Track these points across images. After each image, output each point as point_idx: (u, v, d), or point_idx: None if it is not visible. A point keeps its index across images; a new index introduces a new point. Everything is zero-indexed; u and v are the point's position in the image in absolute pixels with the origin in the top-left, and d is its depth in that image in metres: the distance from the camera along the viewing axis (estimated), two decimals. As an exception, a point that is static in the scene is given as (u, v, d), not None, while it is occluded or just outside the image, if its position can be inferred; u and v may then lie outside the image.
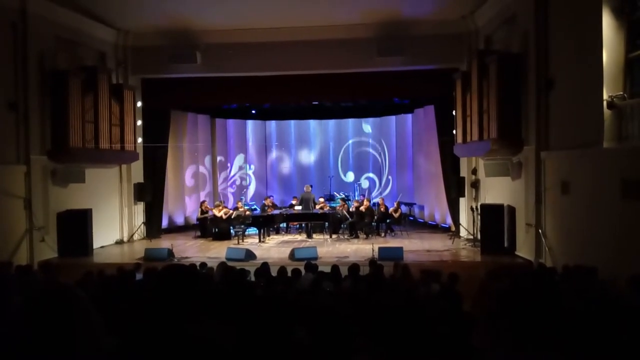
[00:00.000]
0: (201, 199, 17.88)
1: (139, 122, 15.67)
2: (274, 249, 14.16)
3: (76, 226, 13.08)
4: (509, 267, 9.61)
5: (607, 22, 8.92)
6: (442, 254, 12.85)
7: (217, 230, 15.94)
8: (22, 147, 12.20)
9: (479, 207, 13.56)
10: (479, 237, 13.30)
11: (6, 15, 11.88)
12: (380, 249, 12.09)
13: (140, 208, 16.17)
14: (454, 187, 14.88)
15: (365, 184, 20.46)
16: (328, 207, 16.59)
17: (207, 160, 19.51)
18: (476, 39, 14.34)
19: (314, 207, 16.37)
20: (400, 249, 12.28)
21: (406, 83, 15.23)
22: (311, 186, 17.36)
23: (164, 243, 14.75)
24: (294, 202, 17.43)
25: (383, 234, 15.88)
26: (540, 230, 11.11)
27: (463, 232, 14.95)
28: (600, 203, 8.92)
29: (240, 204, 16.82)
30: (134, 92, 15.22)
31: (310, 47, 14.88)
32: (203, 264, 9.79)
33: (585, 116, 9.45)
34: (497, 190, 13.38)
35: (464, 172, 15.17)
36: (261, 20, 14.47)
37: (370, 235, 15.52)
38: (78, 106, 13.03)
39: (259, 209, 17.64)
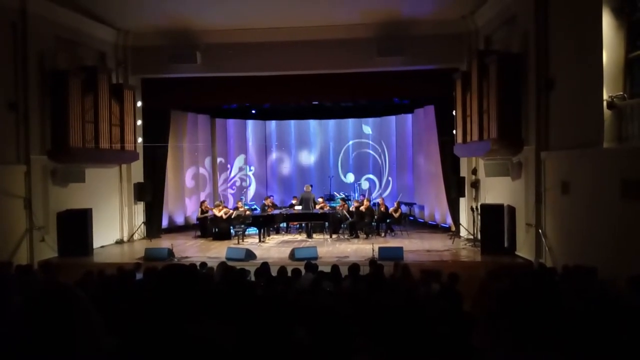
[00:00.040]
0: (201, 199, 17.88)
1: (139, 122, 15.67)
2: (274, 248, 14.16)
3: (76, 226, 13.08)
4: (509, 267, 9.61)
5: (607, 22, 8.92)
6: (442, 254, 12.85)
7: (217, 230, 15.94)
8: (22, 147, 12.20)
9: (479, 207, 13.56)
10: (479, 237, 13.30)
11: (6, 15, 11.88)
12: (380, 248, 12.09)
13: (140, 208, 16.18)
14: (454, 187, 14.88)
15: (365, 185, 20.45)
16: (328, 207, 16.59)
17: (207, 161, 19.51)
18: (476, 39, 14.34)
19: (314, 207, 16.37)
20: (400, 248, 12.28)
21: (406, 83, 15.23)
22: (311, 186, 17.36)
23: (164, 243, 14.75)
24: (294, 202, 17.44)
25: (383, 234, 15.88)
26: (540, 230, 11.11)
27: (463, 232, 14.95)
28: (600, 203, 8.92)
29: (240, 204, 16.82)
30: (134, 92, 15.22)
31: (310, 47, 14.88)
32: (203, 264, 9.79)
33: (585, 116, 9.45)
34: (497, 190, 13.38)
35: (464, 172, 15.17)
36: (261, 20, 14.47)
37: (370, 235, 15.52)
38: (78, 106, 13.03)
39: (259, 209, 17.64)
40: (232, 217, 15.79)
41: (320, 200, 16.85)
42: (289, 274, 8.24)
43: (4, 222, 11.66)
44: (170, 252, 12.69)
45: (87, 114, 13.31)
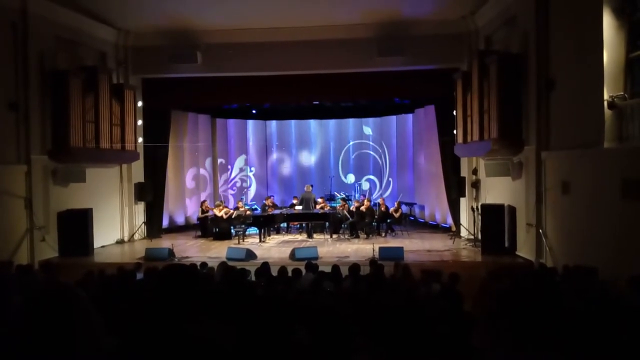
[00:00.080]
0: (202, 199, 17.89)
1: (140, 122, 15.68)
2: (274, 248, 14.16)
3: (77, 226, 13.09)
4: (509, 267, 9.61)
5: (608, 22, 8.91)
6: (442, 254, 12.84)
7: (217, 230, 15.95)
8: (23, 146, 12.21)
9: (479, 207, 13.56)
10: (479, 237, 13.29)
11: (6, 15, 11.88)
12: (380, 248, 12.09)
13: (140, 208, 16.18)
14: (455, 187, 14.88)
15: (365, 185, 20.45)
16: (328, 207, 16.60)
17: (208, 162, 19.51)
18: (476, 39, 14.34)
19: (315, 207, 16.38)
20: (400, 249, 12.28)
21: (406, 83, 15.23)
22: (312, 186, 17.36)
23: (165, 243, 14.78)
24: (294, 202, 17.44)
25: (383, 234, 15.88)
26: (540, 231, 11.11)
27: (464, 232, 14.95)
28: (600, 203, 8.92)
29: (240, 204, 16.82)
30: (135, 92, 15.23)
31: (310, 47, 14.88)
32: (204, 264, 9.79)
33: (585, 116, 9.45)
34: (497, 190, 13.37)
35: (464, 172, 15.17)
36: (261, 20, 14.48)
37: (370, 235, 15.52)
38: (79, 106, 13.03)
39: (259, 209, 17.65)
40: (233, 217, 15.79)
41: (321, 200, 16.86)
42: (290, 274, 8.24)
43: (4, 222, 11.67)
44: (171, 252, 12.69)
45: (87, 114, 13.31)
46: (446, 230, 16.37)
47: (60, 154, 12.85)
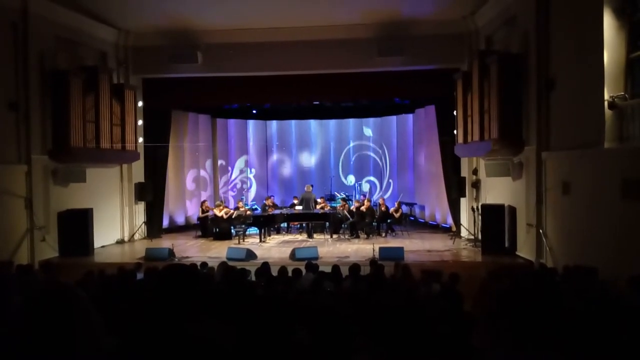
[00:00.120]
0: (202, 199, 17.89)
1: (140, 122, 15.68)
2: (274, 248, 14.17)
3: (77, 226, 13.09)
4: (509, 268, 9.61)
5: (608, 23, 8.91)
6: (442, 254, 12.84)
7: (217, 230, 15.95)
8: (23, 146, 12.21)
9: (479, 207, 13.56)
10: (479, 237, 13.30)
11: (7, 15, 11.89)
12: (380, 249, 12.09)
13: (141, 208, 16.19)
14: (455, 187, 14.88)
15: (366, 187, 20.45)
16: (329, 207, 16.60)
17: (208, 163, 19.51)
18: (477, 39, 14.34)
19: (315, 207, 16.38)
20: (401, 249, 12.28)
21: (407, 83, 15.22)
22: (312, 186, 17.36)
23: (165, 243, 14.79)
24: (294, 202, 17.44)
25: (384, 234, 15.88)
26: (541, 231, 11.10)
27: (464, 232, 14.95)
28: (600, 203, 8.91)
29: (241, 204, 16.82)
30: (135, 92, 15.24)
31: (310, 47, 14.88)
32: (204, 264, 9.79)
33: (586, 116, 9.45)
34: (497, 190, 13.37)
35: (464, 172, 15.17)
36: (262, 20, 14.48)
37: (370, 235, 15.52)
38: (79, 106, 13.03)
39: (259, 209, 17.65)
40: (233, 217, 15.80)
41: (321, 200, 16.86)
42: (290, 274, 8.24)
43: (5, 222, 11.67)
44: (171, 252, 12.69)
45: (88, 114, 13.31)
46: (446, 230, 16.37)
47: (60, 154, 12.85)
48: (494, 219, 12.55)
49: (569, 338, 3.82)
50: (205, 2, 13.64)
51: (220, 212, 15.92)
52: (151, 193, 15.97)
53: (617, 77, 8.91)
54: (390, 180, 20.33)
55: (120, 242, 15.42)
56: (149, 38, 15.28)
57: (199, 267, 8.94)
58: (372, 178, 20.78)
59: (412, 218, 18.13)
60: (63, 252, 13.01)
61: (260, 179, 21.25)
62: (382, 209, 16.12)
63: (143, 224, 16.15)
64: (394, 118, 19.98)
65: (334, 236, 15.72)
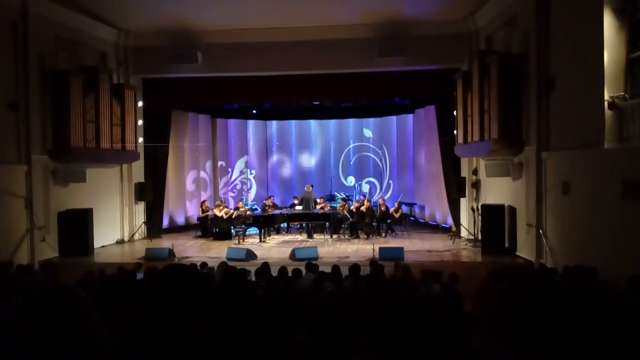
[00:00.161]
0: (202, 199, 17.89)
1: (140, 122, 15.69)
2: (274, 249, 14.16)
3: (77, 226, 13.09)
4: (509, 268, 9.61)
5: (608, 23, 8.91)
6: (442, 254, 12.85)
7: (217, 230, 15.95)
8: (23, 146, 12.21)
9: (479, 207, 13.56)
10: (479, 237, 13.29)
11: (7, 15, 11.89)
12: (380, 249, 12.09)
13: (141, 208, 16.19)
14: (455, 188, 14.88)
15: (366, 187, 20.46)
16: (329, 207, 16.60)
17: (208, 165, 19.51)
18: (477, 39, 14.34)
19: (315, 207, 16.38)
20: (400, 249, 12.27)
21: (407, 83, 15.22)
22: (312, 186, 17.35)
23: (165, 243, 14.79)
24: (294, 202, 17.44)
25: (384, 234, 15.88)
26: (541, 231, 11.10)
27: (464, 233, 14.95)
28: (600, 204, 8.91)
29: (241, 204, 16.82)
30: (135, 92, 15.24)
31: (310, 47, 14.88)
32: (204, 264, 9.79)
33: (586, 117, 9.45)
34: (497, 190, 13.37)
35: (464, 172, 15.17)
36: (262, 20, 14.48)
37: (370, 236, 15.52)
38: (79, 106, 13.04)
39: (259, 209, 17.65)
40: (233, 217, 15.80)
41: (321, 200, 16.86)
42: (290, 274, 8.24)
43: (4, 222, 11.67)
44: (171, 252, 12.69)
45: (88, 114, 13.32)
46: (446, 230, 16.37)
47: (60, 154, 12.85)
48: (494, 219, 12.55)
49: (569, 338, 3.82)
50: (205, 2, 13.64)
51: (220, 212, 15.92)
52: (151, 193, 15.97)
53: (617, 77, 8.91)
54: (390, 182, 20.34)
55: (120, 242, 15.42)
56: (149, 38, 15.28)
57: (198, 267, 8.94)
58: (372, 179, 20.78)
59: (412, 218, 18.13)
60: (63, 252, 13.01)
61: (260, 179, 21.25)
62: (382, 209, 16.12)
63: (143, 224, 16.15)
64: (394, 118, 19.98)
65: (334, 236, 15.72)
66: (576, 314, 4.45)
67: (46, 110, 12.75)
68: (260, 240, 15.07)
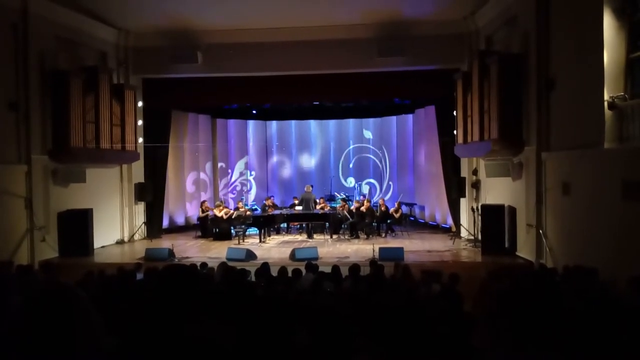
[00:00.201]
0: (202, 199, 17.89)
1: (140, 122, 15.68)
2: (274, 249, 14.16)
3: (77, 226, 13.09)
4: (509, 268, 9.60)
5: (608, 23, 8.91)
6: (442, 255, 12.84)
7: (217, 230, 15.94)
8: (23, 146, 12.21)
9: (479, 207, 13.56)
10: (479, 237, 13.29)
11: (7, 15, 11.89)
12: (380, 249, 12.09)
13: (140, 208, 16.18)
14: (455, 188, 14.88)
15: (365, 189, 20.46)
16: (329, 208, 16.60)
17: (208, 166, 19.51)
18: (477, 39, 14.34)
19: (315, 207, 16.38)
20: (400, 249, 12.27)
21: (407, 83, 15.23)
22: (312, 186, 17.36)
23: (165, 243, 14.78)
24: (294, 202, 17.44)
25: (384, 235, 15.87)
26: (541, 231, 11.10)
27: (464, 233, 14.95)
28: (600, 204, 8.91)
29: (241, 204, 16.82)
30: (135, 92, 15.23)
31: (310, 48, 14.88)
32: (204, 264, 9.79)
33: (586, 117, 9.45)
34: (497, 190, 13.37)
35: (464, 172, 15.17)
36: (262, 20, 14.48)
37: (370, 236, 15.51)
38: (79, 106, 13.03)
39: (259, 209, 17.65)
40: (233, 217, 15.79)
41: (321, 200, 16.86)
42: (290, 274, 8.23)
43: (4, 222, 11.67)
44: (171, 253, 12.69)
45: (88, 114, 13.31)
46: (446, 230, 16.37)
47: (60, 154, 12.85)
48: (494, 219, 12.55)
49: (569, 338, 3.82)
50: (206, 2, 13.64)
51: (220, 213, 15.92)
52: (151, 193, 15.96)
53: (617, 77, 8.91)
54: (390, 183, 20.34)
55: (120, 242, 15.42)
56: (149, 38, 15.28)
57: (198, 268, 8.94)
58: (372, 180, 20.78)
59: (412, 218, 18.12)
60: (63, 252, 13.01)
61: (260, 180, 21.25)
62: (382, 209, 16.12)
63: (143, 224, 16.15)
64: (394, 118, 19.98)
65: (334, 236, 15.72)
66: (576, 314, 4.45)
67: (46, 110, 12.74)
68: (260, 241, 15.07)
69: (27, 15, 12.20)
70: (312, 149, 21.21)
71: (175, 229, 17.66)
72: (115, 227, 15.40)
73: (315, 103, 18.35)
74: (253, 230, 15.86)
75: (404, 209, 17.39)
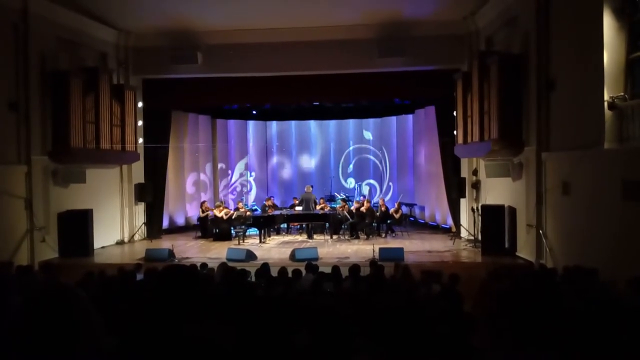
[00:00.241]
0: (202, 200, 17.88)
1: (140, 123, 15.68)
2: (274, 249, 14.16)
3: (77, 226, 13.09)
4: (509, 268, 9.58)
5: (608, 23, 8.91)
6: (442, 255, 12.84)
7: (217, 230, 15.94)
8: (23, 147, 12.21)
9: (479, 207, 13.55)
10: (479, 237, 13.29)
11: (7, 15, 11.89)
12: (380, 249, 12.09)
13: (140, 208, 16.18)
14: (455, 188, 14.88)
15: (365, 190, 20.47)
16: (329, 208, 16.60)
17: (208, 167, 19.50)
18: (477, 39, 14.34)
19: (315, 208, 16.38)
20: (400, 249, 12.27)
21: (407, 84, 15.23)
22: (312, 186, 17.36)
23: (165, 243, 14.78)
24: (294, 202, 17.44)
25: (384, 235, 15.87)
26: (541, 231, 11.10)
27: (464, 233, 14.95)
28: (601, 204, 8.91)
29: (241, 205, 16.82)
30: (135, 93, 15.24)
31: (310, 48, 14.89)
32: (204, 265, 9.79)
33: (586, 117, 9.45)
34: (497, 191, 13.37)
35: (464, 172, 15.17)
36: (262, 20, 14.48)
37: (370, 236, 15.51)
38: (79, 106, 13.04)
39: (259, 210, 17.65)
40: (233, 217, 15.79)
41: (321, 201, 16.86)
42: (290, 274, 8.23)
43: (4, 223, 11.67)
44: (171, 253, 12.68)
45: (88, 115, 13.32)
46: (446, 231, 16.37)
47: (60, 155, 12.85)
48: (494, 219, 12.55)
49: (569, 338, 3.82)
50: (206, 2, 13.64)
51: (220, 213, 15.92)
52: (151, 194, 15.96)
53: (617, 77, 8.91)
54: (390, 184, 20.34)
55: (120, 242, 15.42)
56: (149, 39, 15.29)
57: (198, 268, 8.94)
58: (372, 181, 20.78)
59: (412, 219, 18.13)
60: (63, 252, 13.00)
61: (261, 181, 21.25)
62: (382, 209, 16.12)
63: (143, 225, 16.15)
64: (393, 119, 19.98)
65: (334, 237, 15.71)
66: (576, 314, 4.45)
67: (46, 110, 12.75)
68: (260, 241, 15.07)
69: (27, 16, 12.20)
70: (312, 150, 21.21)
71: (175, 230, 17.65)
72: (115, 228, 15.40)
73: (315, 103, 18.34)
74: (253, 231, 15.86)
75: (404, 209, 17.39)
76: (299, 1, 13.70)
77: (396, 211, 16.30)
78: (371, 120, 20.62)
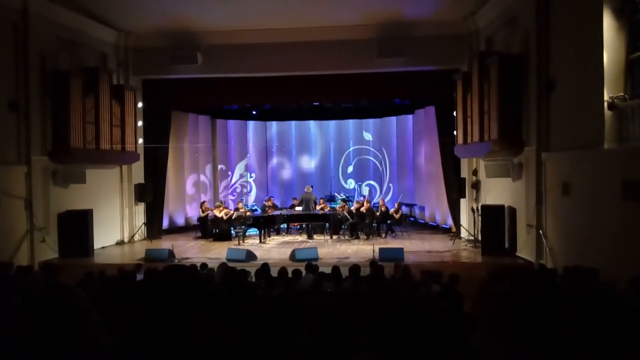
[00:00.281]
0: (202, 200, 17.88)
1: (140, 123, 15.69)
2: (274, 249, 14.16)
3: (77, 227, 13.09)
4: (509, 268, 9.59)
5: (608, 23, 8.91)
6: (442, 255, 12.84)
7: (217, 231, 15.94)
8: (23, 147, 12.21)
9: (479, 208, 13.55)
10: (479, 238, 13.29)
11: (7, 15, 11.89)
12: (380, 249, 12.09)
13: (140, 209, 16.18)
14: (455, 188, 14.88)
15: (365, 190, 20.47)
16: (329, 208, 16.60)
17: (208, 168, 19.50)
18: (477, 40, 14.34)
19: (315, 208, 16.38)
20: (400, 249, 12.27)
21: (407, 84, 15.23)
22: (312, 187, 17.36)
23: (165, 244, 14.78)
24: (294, 202, 17.44)
25: (384, 235, 15.87)
26: (541, 231, 11.10)
27: (464, 233, 14.95)
28: (600, 204, 8.91)
29: (241, 205, 16.82)
30: (135, 93, 15.24)
31: (310, 48, 14.89)
32: (203, 265, 9.78)
33: (586, 117, 9.45)
34: (497, 191, 13.37)
35: (464, 173, 15.17)
36: (262, 21, 14.49)
37: (370, 236, 15.51)
38: (79, 107, 13.04)
39: (259, 210, 17.65)
40: (233, 218, 15.79)
41: (321, 201, 16.86)
42: (290, 274, 8.23)
43: (4, 223, 11.66)
44: (171, 253, 12.68)
45: (88, 115, 13.32)
46: (446, 231, 16.37)
47: (60, 155, 12.85)
48: (494, 219, 12.55)
49: (569, 338, 3.82)
50: (206, 2, 13.64)
51: (220, 213, 15.92)
52: (151, 194, 15.97)
53: (617, 77, 8.91)
54: (390, 185, 20.34)
55: (120, 243, 15.42)
56: (149, 39, 15.29)
57: (198, 268, 8.94)
58: (372, 182, 20.78)
59: (412, 219, 18.13)
60: (63, 253, 13.00)
61: (261, 182, 21.24)
62: (382, 209, 16.12)
63: (143, 225, 16.15)
64: (393, 119, 19.99)
65: (334, 237, 15.71)
66: (576, 314, 4.45)
67: (46, 111, 12.74)
68: (260, 241, 15.07)
69: (27, 16, 12.20)
70: (312, 150, 21.21)
71: (175, 230, 17.65)
72: (115, 228, 15.40)
73: (315, 104, 18.35)
74: (253, 231, 15.86)
75: (404, 209, 17.39)
76: (299, 1, 13.70)
77: (396, 211, 16.30)
78: (371, 121, 20.63)
